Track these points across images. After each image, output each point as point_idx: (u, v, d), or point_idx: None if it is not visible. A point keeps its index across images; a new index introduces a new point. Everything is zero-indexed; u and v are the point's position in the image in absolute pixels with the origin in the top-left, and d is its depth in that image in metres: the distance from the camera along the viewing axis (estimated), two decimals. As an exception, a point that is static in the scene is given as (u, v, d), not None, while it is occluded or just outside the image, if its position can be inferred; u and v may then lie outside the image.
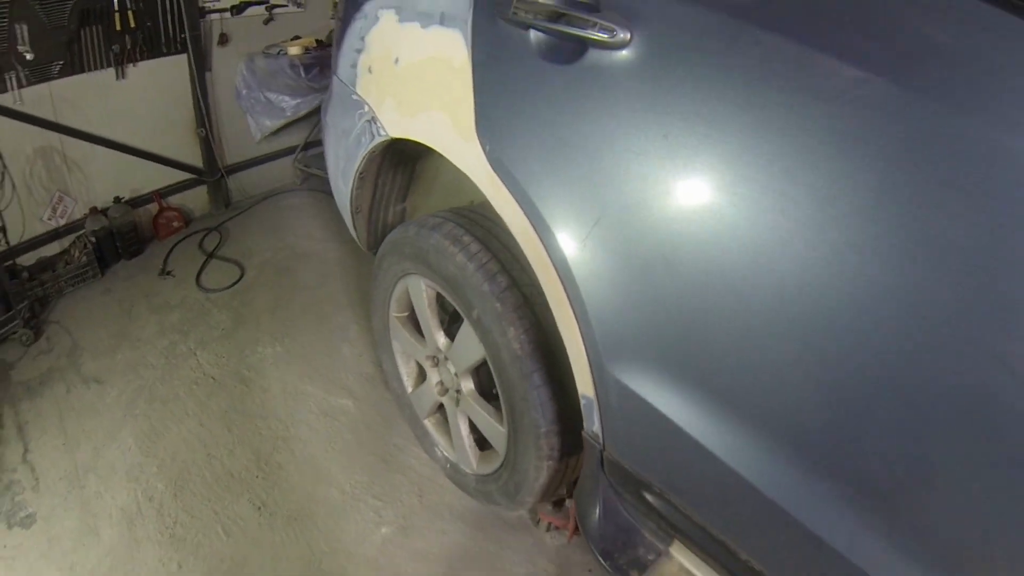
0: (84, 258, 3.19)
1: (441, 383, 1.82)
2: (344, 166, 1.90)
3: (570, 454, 1.48)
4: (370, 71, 1.68)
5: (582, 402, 1.24)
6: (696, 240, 0.93)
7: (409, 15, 1.48)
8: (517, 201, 1.19)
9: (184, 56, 3.44)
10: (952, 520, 0.80)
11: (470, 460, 1.82)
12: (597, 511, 1.34)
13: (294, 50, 3.60)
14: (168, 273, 3.28)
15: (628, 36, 0.97)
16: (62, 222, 3.27)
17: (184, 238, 3.59)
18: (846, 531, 0.87)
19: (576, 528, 1.78)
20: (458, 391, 1.74)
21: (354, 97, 1.76)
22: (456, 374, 1.72)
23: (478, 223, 1.52)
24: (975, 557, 0.80)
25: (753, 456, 0.96)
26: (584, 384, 1.20)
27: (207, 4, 3.47)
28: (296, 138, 4.09)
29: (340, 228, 3.37)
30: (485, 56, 1.24)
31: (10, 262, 2.89)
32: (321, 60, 3.62)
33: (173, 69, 3.45)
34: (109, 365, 2.66)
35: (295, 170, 4.20)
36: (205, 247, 3.49)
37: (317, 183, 4.10)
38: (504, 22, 1.18)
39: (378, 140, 1.65)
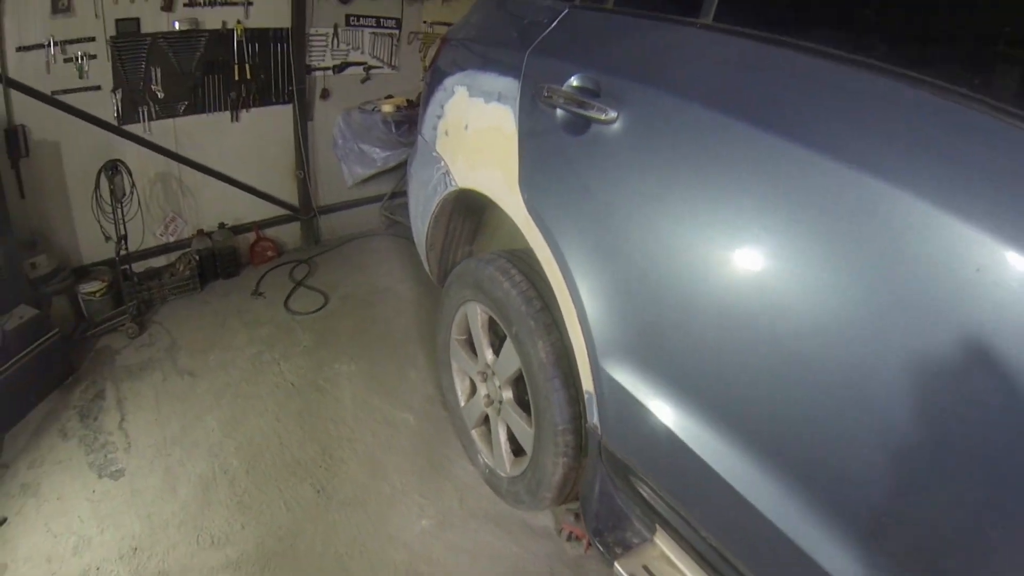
0: (188, 272, 3.80)
1: (488, 396, 2.22)
2: (423, 209, 2.39)
3: (582, 454, 1.84)
4: (447, 134, 2.16)
5: (586, 397, 1.62)
6: (663, 262, 1.31)
7: (476, 92, 1.96)
8: (543, 236, 1.62)
9: (290, 106, 4.09)
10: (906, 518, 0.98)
11: (505, 464, 2.20)
12: (595, 494, 1.69)
13: (387, 108, 4.19)
14: (260, 294, 3.86)
15: (616, 115, 1.39)
16: (172, 239, 3.93)
17: (276, 266, 4.19)
18: (800, 520, 1.11)
19: (594, 540, 2.12)
20: (500, 401, 2.14)
21: (434, 154, 2.25)
22: (499, 386, 2.12)
23: (524, 260, 1.94)
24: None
25: (714, 444, 1.27)
26: (587, 381, 1.59)
27: (313, 62, 4.13)
28: (384, 187, 4.66)
29: (417, 271, 3.91)
30: (527, 127, 1.69)
31: (126, 266, 3.47)
32: (410, 118, 4.16)
33: (280, 117, 4.10)
34: (202, 363, 3.21)
35: (381, 216, 4.77)
36: (294, 276, 4.06)
37: (400, 230, 4.64)
38: (540, 103, 1.62)
39: (450, 189, 2.13)
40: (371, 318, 3.61)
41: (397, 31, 4.40)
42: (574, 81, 1.53)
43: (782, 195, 1.09)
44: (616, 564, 1.57)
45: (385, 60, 4.44)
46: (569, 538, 2.21)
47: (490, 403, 2.22)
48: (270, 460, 2.56)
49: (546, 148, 1.63)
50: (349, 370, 3.13)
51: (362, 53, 4.32)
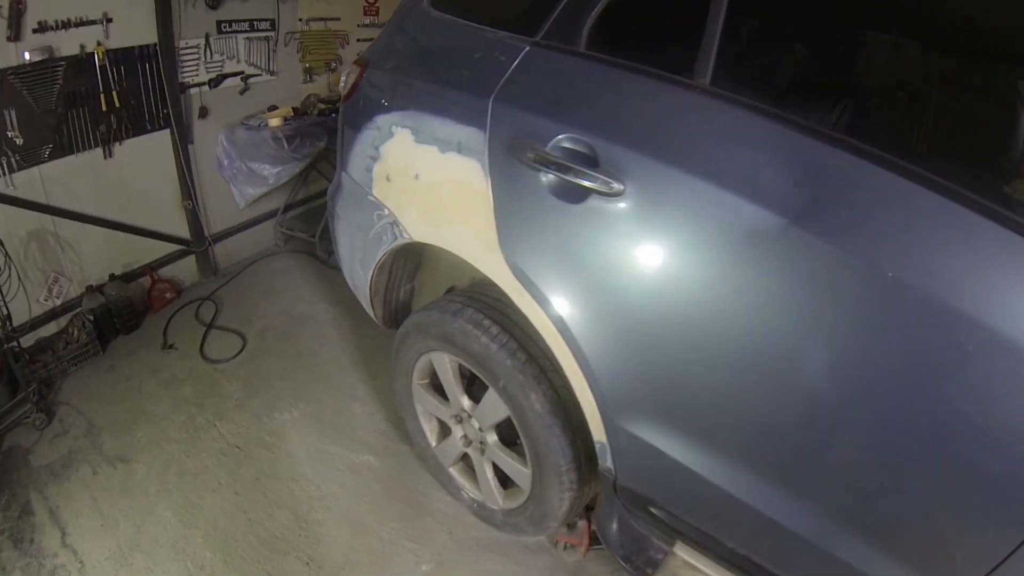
0: (84, 336, 3.47)
1: (465, 436, 2.29)
2: (363, 257, 2.33)
3: (585, 484, 1.97)
4: (388, 179, 2.10)
5: (597, 446, 1.73)
6: (668, 321, 1.44)
7: (426, 138, 1.89)
8: (536, 300, 1.66)
9: (167, 131, 3.85)
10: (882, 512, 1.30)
11: (496, 498, 2.29)
12: (614, 525, 1.83)
13: (275, 122, 4.08)
14: (171, 347, 3.65)
15: (622, 188, 1.43)
16: (59, 302, 3.58)
17: (179, 308, 3.99)
18: (805, 519, 1.38)
19: (590, 544, 2.28)
20: (482, 443, 2.22)
21: (370, 198, 2.19)
22: (481, 429, 2.19)
23: (493, 306, 1.98)
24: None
25: (729, 472, 1.46)
26: (598, 433, 1.70)
27: (186, 79, 3.89)
28: (276, 202, 4.56)
29: (328, 290, 3.89)
30: (503, 186, 1.68)
31: (13, 344, 3.09)
32: (300, 130, 4.10)
33: (157, 144, 3.85)
34: (130, 443, 2.95)
35: (277, 233, 4.67)
36: (202, 317, 3.90)
37: (299, 244, 4.58)
38: (519, 162, 1.61)
39: (402, 241, 2.08)
40: (296, 352, 3.55)
41: (273, 33, 4.25)
42: (564, 143, 1.53)
43: (789, 273, 1.28)
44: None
45: (263, 66, 4.29)
46: (565, 548, 2.36)
47: (469, 443, 2.29)
48: (244, 541, 2.45)
49: (532, 211, 1.63)
50: (292, 417, 3.07)
51: (238, 62, 4.14)
